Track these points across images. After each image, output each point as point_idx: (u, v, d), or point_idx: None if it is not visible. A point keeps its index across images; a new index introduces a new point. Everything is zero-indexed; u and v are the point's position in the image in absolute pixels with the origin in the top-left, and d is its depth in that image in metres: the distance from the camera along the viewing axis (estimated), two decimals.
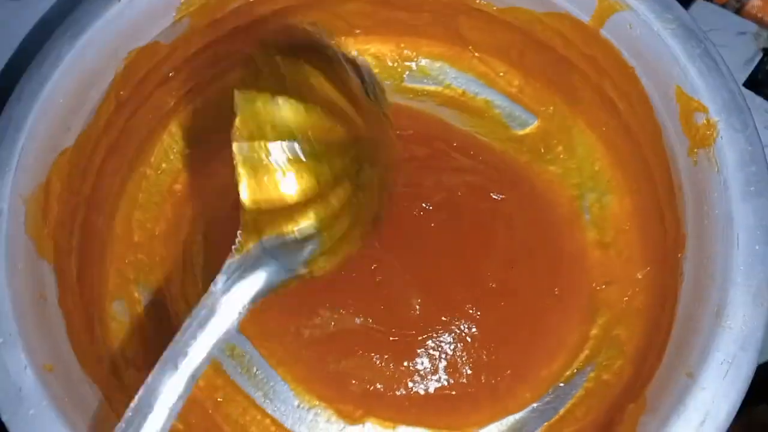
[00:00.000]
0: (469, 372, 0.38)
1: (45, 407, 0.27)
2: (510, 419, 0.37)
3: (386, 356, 0.38)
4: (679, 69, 0.34)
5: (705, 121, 0.33)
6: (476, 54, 0.44)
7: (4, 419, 0.27)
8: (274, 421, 0.37)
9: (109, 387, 0.32)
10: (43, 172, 0.33)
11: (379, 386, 0.37)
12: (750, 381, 0.27)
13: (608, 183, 0.42)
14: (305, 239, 0.28)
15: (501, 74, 0.44)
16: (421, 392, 0.37)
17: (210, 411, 0.37)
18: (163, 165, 0.42)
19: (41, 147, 0.33)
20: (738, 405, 0.27)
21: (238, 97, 0.27)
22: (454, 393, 0.37)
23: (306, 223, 0.28)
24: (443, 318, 0.38)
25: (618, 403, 0.34)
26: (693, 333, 0.29)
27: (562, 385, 0.38)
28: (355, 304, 0.38)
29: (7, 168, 0.31)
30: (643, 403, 0.29)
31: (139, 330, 0.38)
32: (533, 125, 0.44)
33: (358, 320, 0.37)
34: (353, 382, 0.37)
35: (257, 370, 0.38)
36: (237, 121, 0.27)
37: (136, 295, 0.39)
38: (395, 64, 0.45)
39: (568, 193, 0.42)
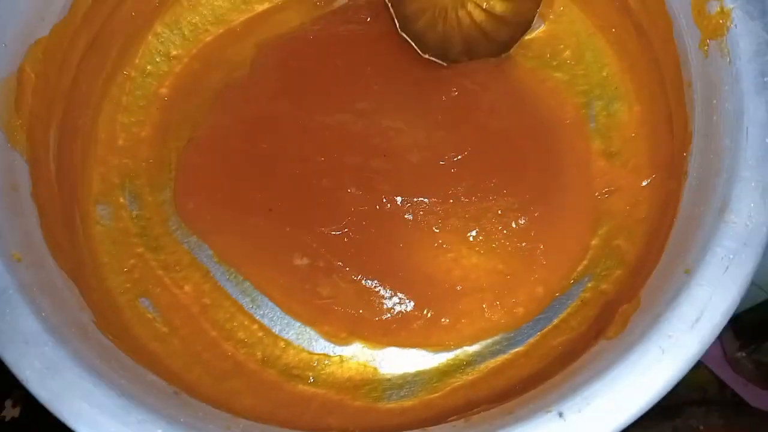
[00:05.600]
0: (459, 287, 0.36)
1: (11, 294, 0.26)
2: None
3: (371, 284, 0.36)
4: None
5: (719, 10, 0.31)
6: None
7: None
8: (262, 326, 0.36)
9: (87, 288, 0.32)
10: (15, 60, 0.31)
11: (362, 310, 0.36)
12: (750, 279, 0.25)
13: (616, 90, 0.39)
14: None
15: None
16: (408, 314, 0.36)
17: (196, 315, 0.36)
18: (149, 67, 0.41)
19: (12, 34, 0.31)
20: (737, 303, 0.25)
21: None
22: (444, 313, 0.36)
23: None
24: (436, 237, 0.37)
25: (612, 309, 0.32)
26: (694, 230, 0.28)
27: (558, 295, 0.36)
28: (331, 245, 0.36)
29: None
30: (637, 303, 0.28)
31: (124, 235, 0.37)
32: (540, 29, 0.41)
33: (338, 263, 0.36)
34: (336, 307, 0.36)
35: (245, 278, 0.37)
36: None
37: (122, 200, 0.38)
38: None
39: (574, 101, 0.40)
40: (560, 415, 0.24)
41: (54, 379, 0.25)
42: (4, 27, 0.31)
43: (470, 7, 0.38)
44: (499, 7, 0.38)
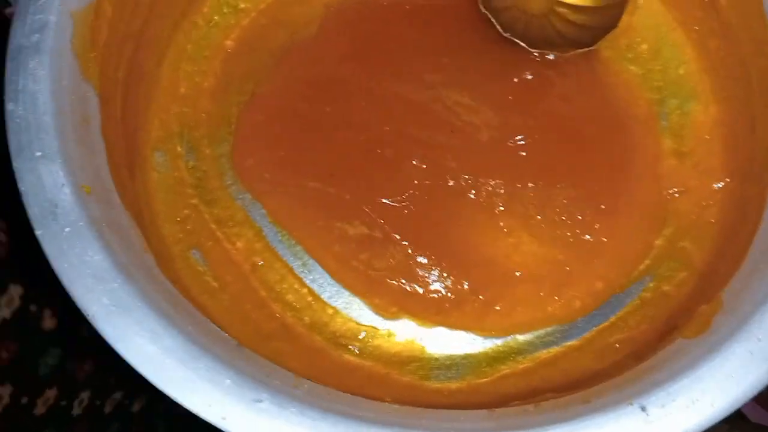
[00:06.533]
0: (518, 274, 0.35)
1: (81, 227, 0.25)
2: None
3: (427, 261, 0.35)
4: None
5: None
6: None
7: (37, 234, 0.25)
8: (311, 291, 0.35)
9: (145, 233, 0.31)
10: None
11: (416, 287, 0.35)
12: None
13: (693, 89, 0.38)
14: None
15: None
16: (462, 295, 0.35)
17: (247, 274, 0.35)
18: (216, 18, 0.40)
19: None
20: None
21: None
22: (499, 299, 0.35)
23: None
24: (499, 220, 0.36)
25: (679, 313, 0.31)
26: None
27: (617, 292, 0.35)
28: (390, 216, 0.35)
29: None
30: (718, 304, 0.27)
31: (179, 185, 0.36)
32: None
33: (396, 235, 0.35)
34: (388, 280, 0.35)
35: (298, 242, 0.36)
36: None
37: (179, 149, 0.37)
38: None
39: (648, 97, 0.39)
40: (643, 408, 0.23)
41: (121, 317, 0.24)
42: None
43: (554, 19, 0.38)
44: (582, 20, 0.38)
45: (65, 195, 0.26)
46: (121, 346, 0.23)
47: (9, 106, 0.27)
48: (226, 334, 0.26)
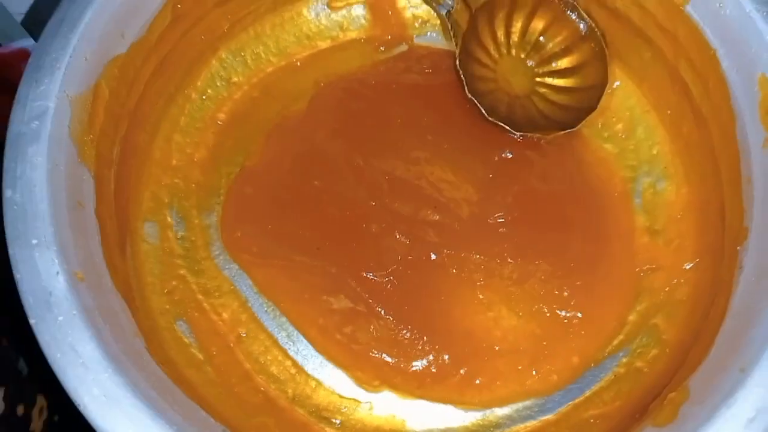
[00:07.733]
0: (497, 348, 0.36)
1: (74, 316, 0.26)
2: None
3: (409, 335, 0.36)
4: None
5: None
6: None
7: (31, 322, 0.26)
8: (295, 363, 0.36)
9: (134, 309, 0.31)
10: (93, 75, 0.32)
11: (398, 360, 0.36)
12: None
13: (665, 169, 0.40)
14: None
15: None
16: (444, 369, 0.36)
17: (231, 345, 0.36)
18: (209, 91, 0.41)
19: (94, 49, 0.32)
20: None
21: None
22: (479, 373, 0.36)
23: None
24: (479, 294, 0.37)
25: (652, 392, 0.32)
26: (749, 327, 0.28)
27: (591, 366, 0.36)
28: (374, 291, 0.36)
29: (57, 66, 0.30)
30: (685, 393, 0.28)
31: (168, 255, 0.37)
32: None
33: (379, 309, 0.36)
34: (371, 353, 0.36)
35: (283, 313, 0.37)
36: None
37: (169, 219, 0.38)
38: None
39: (622, 174, 0.40)
40: None
41: (112, 408, 0.24)
42: (88, 41, 0.31)
43: (536, 99, 0.40)
44: (563, 101, 0.39)
45: (59, 283, 0.26)
46: None
47: (7, 193, 0.28)
48: (213, 420, 0.27)
